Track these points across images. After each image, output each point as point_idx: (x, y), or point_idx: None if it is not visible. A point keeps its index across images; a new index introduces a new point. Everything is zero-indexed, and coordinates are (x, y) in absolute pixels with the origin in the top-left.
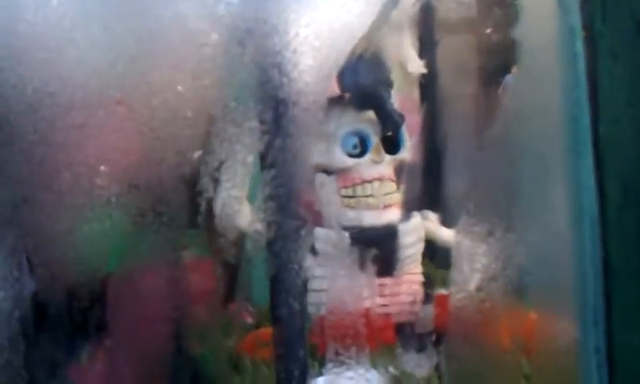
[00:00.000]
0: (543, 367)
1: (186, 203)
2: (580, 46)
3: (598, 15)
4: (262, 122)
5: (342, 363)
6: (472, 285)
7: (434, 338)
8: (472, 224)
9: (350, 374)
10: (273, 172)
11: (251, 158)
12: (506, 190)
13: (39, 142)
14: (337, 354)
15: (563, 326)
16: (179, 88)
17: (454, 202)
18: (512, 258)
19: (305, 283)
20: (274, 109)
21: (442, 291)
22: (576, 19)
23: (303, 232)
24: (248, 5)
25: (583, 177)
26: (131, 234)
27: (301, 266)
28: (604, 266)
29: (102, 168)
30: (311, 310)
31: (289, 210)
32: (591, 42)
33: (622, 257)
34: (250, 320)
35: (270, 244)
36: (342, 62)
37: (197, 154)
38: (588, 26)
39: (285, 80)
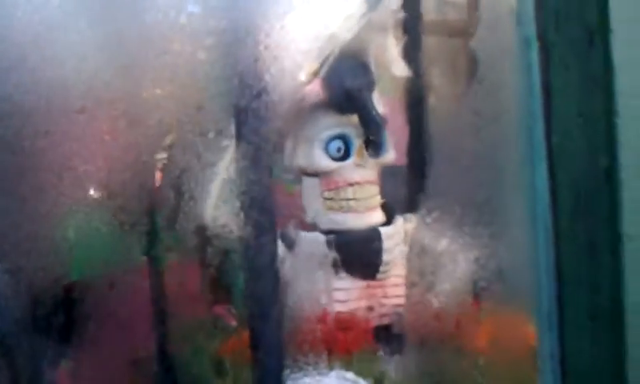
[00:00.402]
0: (500, 373)
1: (148, 210)
2: (535, 56)
3: (551, 25)
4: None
5: (322, 366)
6: (427, 289)
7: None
8: (428, 230)
9: (331, 375)
10: (245, 176)
11: (228, 164)
12: (461, 198)
13: (2, 149)
14: (317, 356)
15: (520, 332)
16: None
17: (436, 204)
18: (468, 263)
19: (280, 286)
20: (241, 114)
21: None
22: (531, 29)
23: (281, 235)
24: (213, 14)
25: (538, 186)
26: (95, 241)
27: (277, 269)
28: (557, 273)
29: (65, 175)
30: (293, 312)
31: (264, 214)
32: (545, 51)
33: (574, 264)
34: (233, 323)
35: (245, 247)
36: (310, 65)
37: (159, 159)
38: (542, 36)
39: (251, 86)
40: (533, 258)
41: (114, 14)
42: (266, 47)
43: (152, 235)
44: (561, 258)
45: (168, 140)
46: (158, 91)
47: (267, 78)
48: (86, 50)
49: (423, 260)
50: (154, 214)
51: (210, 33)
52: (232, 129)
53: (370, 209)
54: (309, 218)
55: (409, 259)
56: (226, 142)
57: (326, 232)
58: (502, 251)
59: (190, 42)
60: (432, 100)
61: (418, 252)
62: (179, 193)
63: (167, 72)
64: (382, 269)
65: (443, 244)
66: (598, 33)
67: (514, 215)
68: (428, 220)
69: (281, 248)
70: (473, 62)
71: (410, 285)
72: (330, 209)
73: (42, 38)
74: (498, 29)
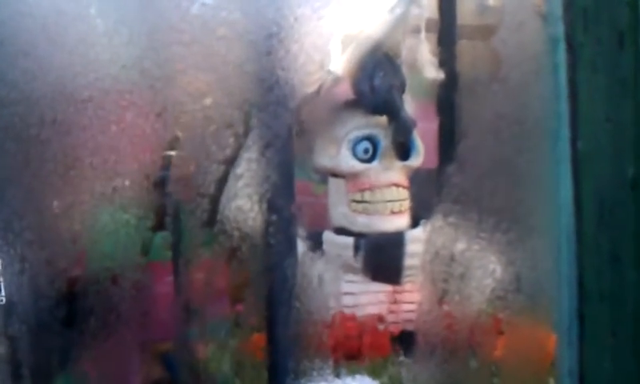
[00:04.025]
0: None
1: (155, 205)
2: (561, 57)
3: (579, 25)
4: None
5: (337, 369)
6: (444, 296)
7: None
8: (445, 237)
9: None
10: (268, 174)
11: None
12: (481, 203)
13: (8, 137)
14: (338, 359)
15: (538, 343)
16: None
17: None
18: (486, 271)
19: (295, 283)
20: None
21: None
22: (558, 29)
23: (303, 234)
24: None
25: (561, 194)
26: (102, 234)
27: (295, 269)
28: (578, 286)
29: (72, 165)
30: (317, 313)
31: (283, 209)
32: (572, 52)
33: (596, 277)
34: (254, 322)
35: (266, 246)
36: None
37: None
38: (569, 36)
39: (263, 80)
40: (554, 269)
41: (125, 3)
42: (279, 40)
43: (175, 234)
44: (583, 270)
45: (178, 133)
46: (168, 82)
47: (279, 72)
48: (95, 39)
49: (440, 266)
50: (171, 209)
51: (222, 24)
52: (243, 123)
53: (396, 212)
54: (334, 219)
55: (426, 265)
56: (236, 137)
57: (351, 234)
58: (521, 260)
59: (201, 33)
60: (462, 103)
61: (434, 258)
62: (191, 188)
63: (178, 63)
64: (405, 273)
65: (461, 250)
66: (629, 34)
67: (535, 223)
68: (446, 226)
69: (303, 248)
70: (496, 62)
71: (427, 291)
72: (355, 211)
73: (51, 26)
74: (524, 28)
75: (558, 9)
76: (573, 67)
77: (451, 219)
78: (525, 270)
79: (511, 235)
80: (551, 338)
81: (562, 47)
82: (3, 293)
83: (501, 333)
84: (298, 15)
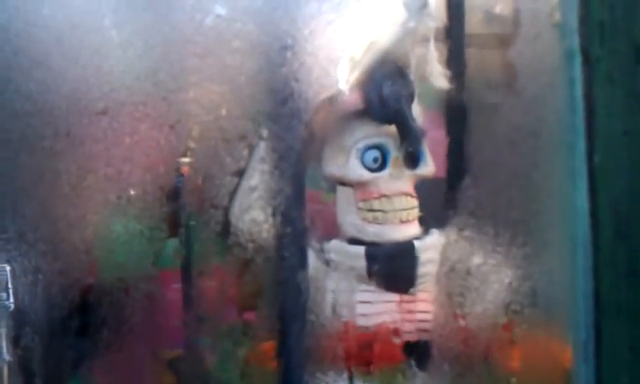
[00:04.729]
0: None
1: (168, 216)
2: (578, 71)
3: (595, 39)
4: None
5: (347, 380)
6: (457, 308)
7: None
8: (460, 248)
9: None
10: (270, 183)
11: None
12: (496, 216)
13: (24, 149)
14: (341, 369)
15: (554, 357)
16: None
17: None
18: (501, 284)
19: (308, 294)
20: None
21: None
22: (574, 42)
23: (312, 243)
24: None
25: (577, 207)
26: (115, 244)
27: (305, 278)
28: (595, 300)
29: (86, 177)
30: (321, 323)
31: (292, 223)
32: (588, 66)
33: (613, 292)
34: (260, 329)
35: (273, 247)
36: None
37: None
38: (586, 49)
39: (277, 92)
40: (570, 283)
41: (139, 15)
42: (293, 53)
43: (180, 240)
44: (600, 283)
45: (191, 144)
46: (182, 95)
47: (293, 84)
48: (109, 51)
49: (455, 278)
50: (179, 218)
51: (236, 36)
52: (256, 135)
53: (405, 221)
54: (343, 228)
55: (440, 277)
56: (250, 148)
57: (360, 243)
58: (537, 274)
59: (215, 45)
60: (473, 113)
61: (449, 270)
62: (203, 199)
63: (192, 75)
64: (415, 283)
65: (476, 263)
66: None
67: (551, 237)
68: (461, 237)
69: (312, 257)
70: (512, 74)
71: (440, 303)
72: (364, 219)
73: (66, 38)
74: (540, 41)
75: (573, 21)
76: (589, 81)
77: (465, 231)
78: (541, 283)
79: (527, 249)
80: (567, 353)
81: (578, 60)
82: (12, 299)
83: (516, 346)
84: (313, 28)
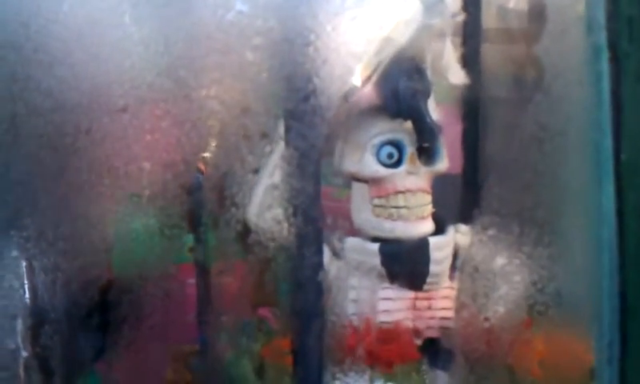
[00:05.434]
0: None
1: (192, 211)
2: (605, 67)
3: (624, 34)
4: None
5: (364, 378)
6: (478, 309)
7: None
8: (482, 248)
9: None
10: (291, 182)
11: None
12: (520, 215)
13: (44, 146)
14: (359, 367)
15: (578, 359)
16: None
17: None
18: (525, 285)
19: (325, 291)
20: (288, 117)
21: None
22: (602, 38)
23: (328, 239)
24: (262, 13)
25: (603, 207)
26: (135, 242)
27: (320, 274)
28: (621, 301)
29: (106, 175)
30: (336, 321)
31: (310, 222)
32: (616, 62)
33: (639, 292)
34: (276, 326)
35: (289, 254)
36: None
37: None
38: (613, 45)
39: (299, 89)
40: (595, 284)
41: (160, 11)
42: (315, 49)
43: (198, 236)
44: (625, 284)
45: (212, 142)
46: (203, 92)
47: (316, 81)
48: (130, 48)
49: (476, 279)
50: (199, 215)
51: (258, 32)
52: (278, 132)
53: (420, 218)
54: (357, 224)
55: (460, 277)
56: (271, 146)
57: (374, 239)
58: (561, 275)
59: (237, 41)
60: (492, 109)
61: (471, 270)
62: (223, 196)
63: (213, 72)
64: (429, 280)
65: (498, 263)
66: None
67: (576, 237)
68: (483, 237)
69: (327, 254)
70: (538, 71)
71: (461, 303)
72: (379, 216)
73: (86, 34)
74: (566, 36)
75: (601, 17)
76: (616, 77)
77: (489, 230)
78: (565, 284)
79: (552, 249)
80: (591, 354)
81: (606, 56)
82: (27, 294)
83: (539, 348)
84: (335, 24)
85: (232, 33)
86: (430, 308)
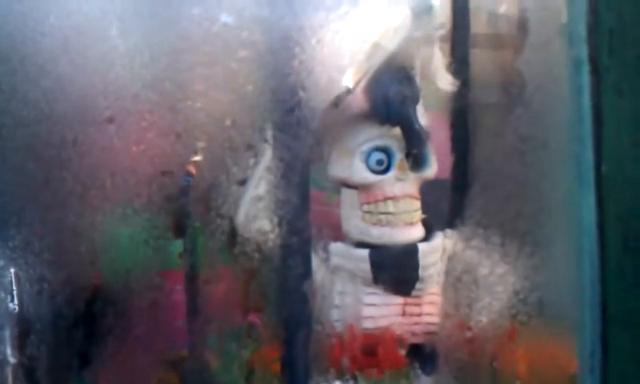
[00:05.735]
0: None
1: (175, 216)
2: (585, 80)
3: (604, 48)
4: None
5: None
6: (463, 317)
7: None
8: (466, 258)
9: None
10: (277, 193)
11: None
12: (502, 226)
13: (30, 157)
14: (345, 373)
15: (560, 371)
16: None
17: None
18: (507, 294)
19: (312, 301)
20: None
21: None
22: (583, 51)
23: (315, 245)
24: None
25: (584, 218)
26: (120, 252)
27: (308, 280)
28: (602, 311)
29: (92, 186)
30: (326, 326)
31: (297, 232)
32: (597, 75)
33: (621, 304)
34: (264, 332)
35: (279, 256)
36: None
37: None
38: (594, 58)
39: (284, 101)
40: (577, 294)
41: (146, 24)
42: (300, 61)
43: (186, 242)
44: (607, 295)
45: (198, 153)
46: (189, 103)
47: (301, 93)
48: (116, 59)
49: (460, 287)
50: (187, 219)
51: (243, 45)
52: (263, 144)
53: (409, 224)
54: (346, 230)
55: (445, 286)
56: (257, 157)
57: (363, 245)
58: (543, 285)
59: (222, 53)
60: (477, 116)
61: (454, 279)
62: (209, 207)
63: (199, 84)
64: (417, 286)
65: (481, 272)
66: None
67: (557, 248)
68: (467, 247)
69: (315, 260)
70: (520, 83)
71: (447, 312)
72: (368, 222)
73: (73, 46)
74: (548, 49)
75: (582, 30)
76: (597, 90)
77: (472, 241)
78: (547, 293)
79: (534, 259)
80: (573, 364)
81: (586, 69)
82: (16, 301)
83: (522, 357)
84: (320, 37)
85: (217, 45)
86: (420, 314)
